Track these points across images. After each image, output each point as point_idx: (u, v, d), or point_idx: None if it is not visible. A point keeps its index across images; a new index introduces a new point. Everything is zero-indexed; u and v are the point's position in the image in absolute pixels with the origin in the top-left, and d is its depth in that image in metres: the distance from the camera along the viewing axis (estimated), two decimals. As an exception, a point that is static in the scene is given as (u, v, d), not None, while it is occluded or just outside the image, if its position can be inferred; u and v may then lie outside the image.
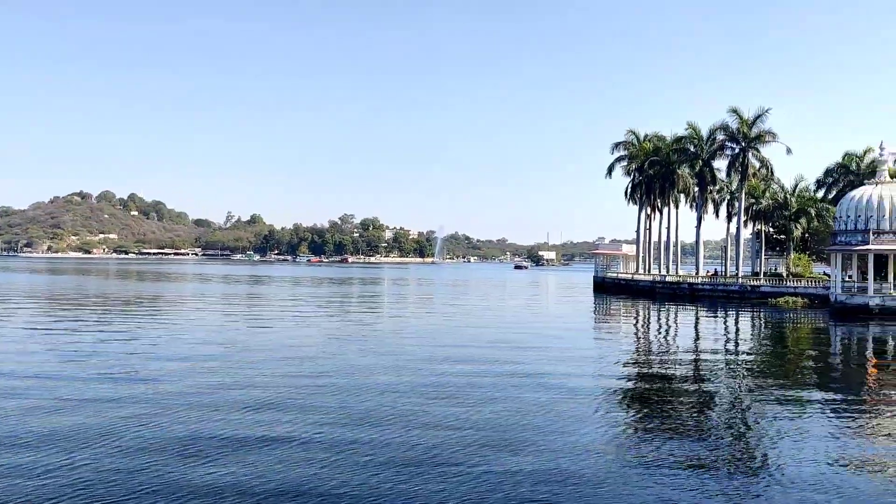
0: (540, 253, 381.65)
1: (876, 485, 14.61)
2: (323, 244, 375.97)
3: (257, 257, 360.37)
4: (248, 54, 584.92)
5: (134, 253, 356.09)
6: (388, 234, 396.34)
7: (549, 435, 17.68)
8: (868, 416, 21.27)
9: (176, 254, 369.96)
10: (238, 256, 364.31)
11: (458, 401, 21.46)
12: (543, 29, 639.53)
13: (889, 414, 21.52)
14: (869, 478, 15.09)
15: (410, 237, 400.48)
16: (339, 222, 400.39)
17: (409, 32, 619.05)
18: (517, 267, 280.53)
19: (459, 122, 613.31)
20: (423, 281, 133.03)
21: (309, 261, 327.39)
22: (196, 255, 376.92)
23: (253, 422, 18.51)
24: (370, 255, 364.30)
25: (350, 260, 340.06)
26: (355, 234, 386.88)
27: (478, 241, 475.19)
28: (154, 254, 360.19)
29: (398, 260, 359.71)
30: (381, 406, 20.62)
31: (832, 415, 21.03)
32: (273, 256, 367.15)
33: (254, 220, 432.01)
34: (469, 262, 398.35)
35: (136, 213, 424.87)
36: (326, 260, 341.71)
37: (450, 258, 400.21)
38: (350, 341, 36.39)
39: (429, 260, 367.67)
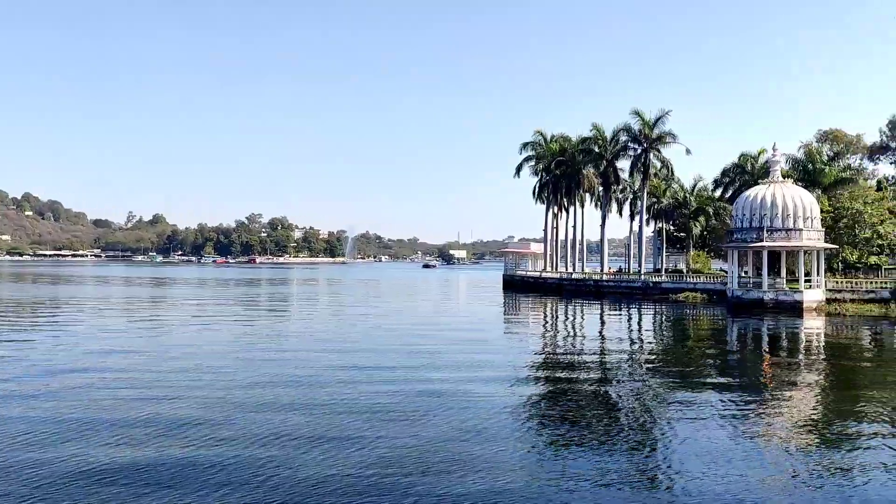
0: (451, 252, 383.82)
1: (772, 478, 15.11)
2: (229, 245, 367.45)
3: (160, 258, 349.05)
4: (143, 51, 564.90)
5: (29, 255, 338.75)
6: (298, 234, 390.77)
7: (458, 432, 17.60)
8: (762, 408, 22.06)
9: (74, 255, 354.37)
10: (140, 258, 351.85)
11: (373, 411, 21.13)
12: (453, 29, 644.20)
13: (782, 406, 22.42)
14: (765, 471, 15.59)
15: (320, 237, 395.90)
16: (246, 222, 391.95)
17: (314, 32, 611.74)
18: (426, 266, 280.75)
19: (370, 121, 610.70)
20: (334, 281, 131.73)
21: (215, 262, 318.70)
22: (96, 256, 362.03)
23: (148, 441, 17.69)
24: (279, 256, 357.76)
25: (258, 260, 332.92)
26: (263, 234, 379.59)
27: (389, 240, 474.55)
28: (50, 255, 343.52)
29: (308, 260, 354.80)
30: (287, 425, 20.07)
31: (729, 407, 21.70)
32: (177, 257, 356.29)
33: (156, 220, 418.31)
34: (380, 261, 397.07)
35: (30, 213, 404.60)
36: (233, 261, 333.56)
37: (361, 258, 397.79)
38: (253, 348, 35.52)
39: (339, 260, 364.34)
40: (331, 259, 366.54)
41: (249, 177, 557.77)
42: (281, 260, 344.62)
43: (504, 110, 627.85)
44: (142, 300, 70.95)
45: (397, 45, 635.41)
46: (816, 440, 18.04)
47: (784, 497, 13.68)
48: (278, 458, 15.41)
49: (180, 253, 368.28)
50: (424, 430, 17.96)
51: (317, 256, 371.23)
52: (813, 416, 21.03)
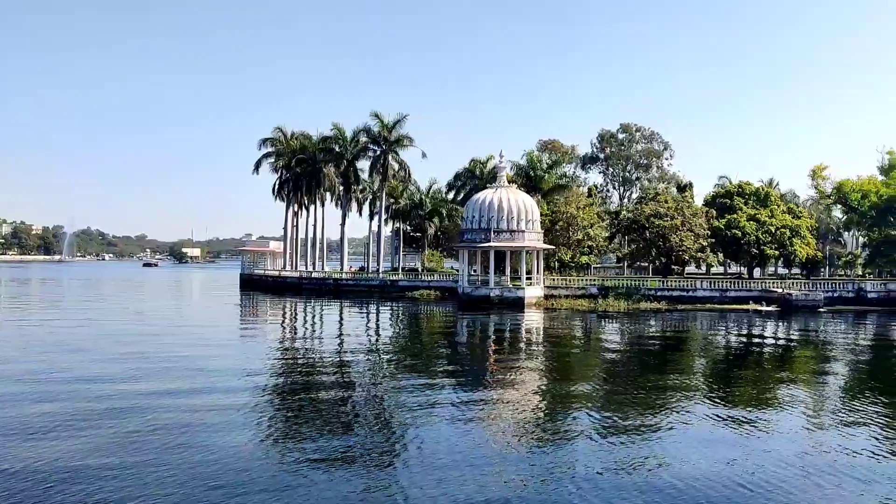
0: (184, 250, 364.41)
1: (505, 460, 16.11)
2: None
3: None
4: None
5: None
6: (6, 230, 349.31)
7: (192, 446, 16.77)
8: (487, 398, 23.49)
9: None
10: None
11: (95, 420, 19.40)
12: (195, 20, 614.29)
13: (506, 394, 24.06)
14: (497, 454, 16.59)
15: (34, 232, 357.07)
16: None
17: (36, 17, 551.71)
18: (147, 265, 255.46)
19: (97, 110, 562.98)
20: (48, 280, 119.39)
21: None
22: None
23: None
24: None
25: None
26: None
27: (114, 237, 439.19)
28: None
29: (17, 258, 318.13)
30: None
31: (460, 399, 22.83)
32: None
33: None
34: (104, 259, 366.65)
35: None
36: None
37: (81, 256, 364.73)
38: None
39: (56, 258, 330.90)
40: (46, 257, 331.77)
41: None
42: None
43: (243, 105, 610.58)
44: None
45: (126, 28, 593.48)
46: (536, 424, 19.58)
47: (503, 488, 14.61)
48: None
49: None
50: (148, 455, 16.87)
51: (29, 254, 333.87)
52: (531, 401, 22.77)
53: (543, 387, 25.76)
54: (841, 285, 70.67)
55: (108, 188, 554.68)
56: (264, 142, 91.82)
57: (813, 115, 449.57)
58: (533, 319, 52.18)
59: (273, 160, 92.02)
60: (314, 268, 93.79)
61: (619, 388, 25.02)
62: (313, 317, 55.10)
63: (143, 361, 28.75)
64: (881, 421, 20.34)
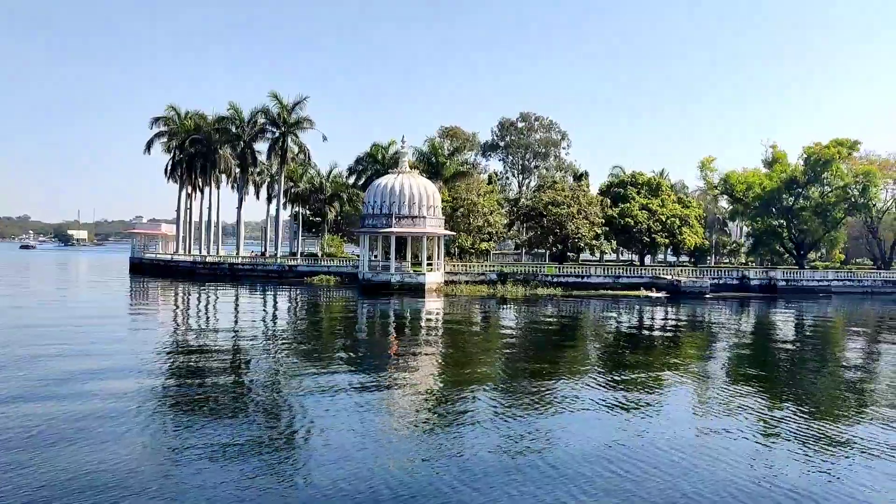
0: (70, 232, 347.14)
1: (402, 443, 16.01)
2: None
3: None
4: None
5: None
6: None
7: (84, 440, 15.92)
8: (390, 382, 23.34)
9: None
10: None
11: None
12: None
13: (406, 376, 23.98)
14: (395, 437, 16.47)
15: None
16: None
17: None
18: (24, 247, 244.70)
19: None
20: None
21: None
22: None
23: None
24: None
25: None
26: None
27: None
28: None
29: None
30: None
31: (358, 384, 22.58)
32: None
33: None
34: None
35: None
36: None
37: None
38: None
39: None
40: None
41: None
42: None
43: (136, 82, 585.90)
44: None
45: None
46: (434, 407, 19.60)
47: (400, 470, 14.53)
48: None
49: None
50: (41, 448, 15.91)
51: None
52: (429, 385, 22.77)
53: (441, 371, 25.85)
54: (726, 273, 74.17)
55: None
56: (156, 121, 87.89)
57: (703, 108, 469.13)
58: (433, 305, 52.32)
59: (166, 140, 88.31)
60: (209, 252, 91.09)
61: (515, 373, 25.36)
62: (207, 303, 53.42)
63: (17, 356, 27.15)
64: (758, 402, 21.37)
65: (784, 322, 47.72)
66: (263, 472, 13.93)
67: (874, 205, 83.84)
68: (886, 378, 26.38)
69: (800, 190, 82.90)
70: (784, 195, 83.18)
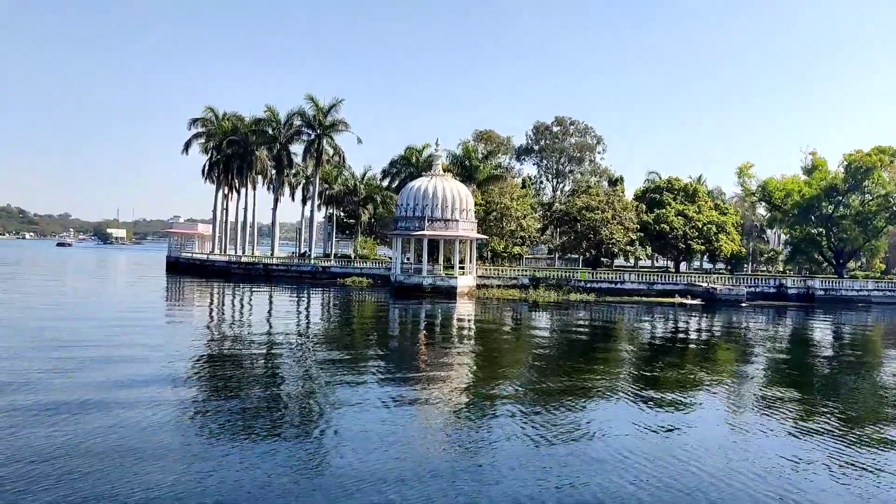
0: (109, 230, 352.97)
1: (431, 445, 15.98)
2: None
3: None
4: None
5: None
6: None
7: (120, 427, 16.15)
8: (420, 384, 23.35)
9: None
10: None
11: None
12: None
13: (435, 378, 23.97)
14: (423, 438, 16.46)
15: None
16: None
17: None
18: (60, 244, 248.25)
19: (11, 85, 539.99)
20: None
21: None
22: None
23: None
24: None
25: None
26: None
27: (35, 215, 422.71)
28: None
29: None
30: None
31: (390, 385, 22.63)
32: None
33: None
34: (24, 238, 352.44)
35: None
36: None
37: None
38: None
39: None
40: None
41: None
42: None
43: (174, 82, 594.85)
44: None
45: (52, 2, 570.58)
46: (466, 412, 19.52)
47: (427, 471, 14.49)
48: None
49: None
50: (71, 439, 16.16)
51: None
52: (460, 388, 22.71)
53: (472, 374, 25.77)
54: (763, 281, 72.99)
55: (30, 164, 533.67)
56: (194, 122, 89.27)
57: (742, 114, 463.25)
58: (464, 309, 52.24)
59: (203, 141, 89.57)
60: (244, 252, 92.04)
61: (546, 378, 25.18)
62: (242, 303, 54.00)
63: (62, 350, 27.65)
64: (792, 410, 20.95)
65: (821, 332, 46.81)
66: (292, 461, 14.04)
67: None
68: (928, 391, 25.74)
69: (840, 198, 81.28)
70: (823, 203, 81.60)
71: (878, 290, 71.32)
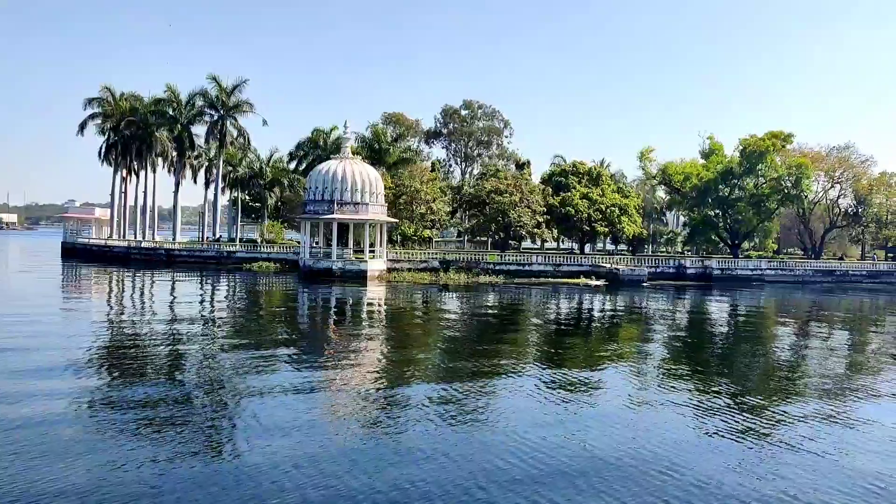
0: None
1: (335, 430, 15.80)
2: None
3: None
4: None
5: None
6: None
7: (12, 422, 15.30)
8: (329, 369, 23.11)
9: None
10: None
11: None
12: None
13: (346, 364, 23.79)
14: (332, 423, 16.26)
15: None
16: None
17: None
18: None
19: None
20: None
21: None
22: None
23: None
24: None
25: None
26: None
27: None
28: None
29: None
30: None
31: (298, 371, 22.30)
32: None
33: None
34: None
35: None
36: None
37: None
38: None
39: None
40: None
41: None
42: None
43: (67, 60, 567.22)
44: None
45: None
46: (373, 397, 19.42)
47: (343, 460, 14.35)
48: None
49: None
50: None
51: None
52: (370, 372, 22.62)
53: (382, 359, 25.70)
54: (663, 261, 75.67)
55: None
56: (90, 101, 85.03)
57: (642, 99, 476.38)
58: (375, 293, 52.01)
59: (100, 122, 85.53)
60: (144, 237, 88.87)
61: (455, 360, 25.35)
62: (143, 289, 52.12)
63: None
64: (691, 385, 21.77)
65: (718, 310, 48.86)
66: (197, 451, 13.62)
67: (806, 196, 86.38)
68: (813, 360, 27.22)
69: (735, 181, 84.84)
70: (720, 186, 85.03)
71: (770, 268, 74.93)
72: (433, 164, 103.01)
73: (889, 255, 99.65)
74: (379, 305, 44.96)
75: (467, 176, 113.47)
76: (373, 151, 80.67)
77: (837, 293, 63.65)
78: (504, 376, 22.22)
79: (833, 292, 64.30)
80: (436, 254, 71.27)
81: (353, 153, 69.50)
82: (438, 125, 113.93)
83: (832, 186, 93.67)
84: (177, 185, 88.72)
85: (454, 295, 51.77)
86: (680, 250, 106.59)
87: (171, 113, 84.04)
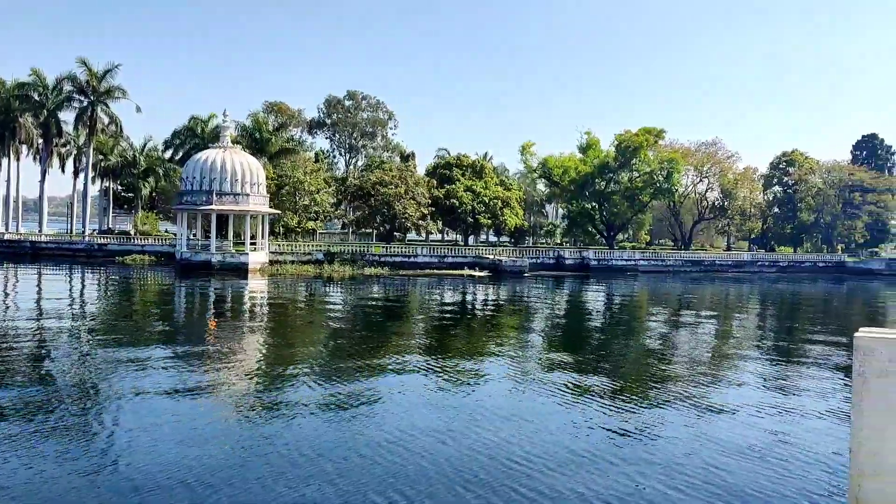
0: None
1: (220, 429, 15.42)
2: None
3: None
4: None
5: None
6: None
7: None
8: (207, 368, 22.47)
9: None
10: None
11: None
12: None
13: (226, 361, 23.20)
14: (211, 423, 15.85)
15: None
16: None
17: None
18: None
19: None
20: None
21: None
22: None
23: None
24: None
25: None
26: None
27: None
28: None
29: None
30: None
31: (174, 370, 21.56)
32: None
33: None
34: None
35: None
36: None
37: None
38: None
39: None
40: None
41: None
42: None
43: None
44: None
45: None
46: (254, 392, 19.07)
47: (216, 456, 14.04)
48: None
49: None
50: None
51: None
52: (251, 370, 22.17)
53: (263, 355, 25.23)
54: (543, 253, 77.77)
55: None
56: (-55, 83, 79.05)
57: (525, 93, 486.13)
58: (256, 286, 50.96)
59: (-43, 106, 79.63)
60: (7, 229, 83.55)
61: (340, 355, 25.18)
62: (5, 284, 48.97)
63: None
64: (569, 373, 22.55)
65: (595, 299, 50.75)
66: (70, 453, 12.95)
67: (676, 190, 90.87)
68: (681, 344, 28.74)
69: (611, 175, 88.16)
70: (597, 179, 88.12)
71: (644, 259, 78.39)
72: (317, 154, 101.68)
73: (752, 245, 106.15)
74: (260, 299, 44.10)
75: (352, 167, 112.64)
76: (253, 141, 78.75)
77: (705, 282, 67.32)
78: (388, 370, 22.22)
79: (701, 281, 67.96)
80: (320, 246, 70.48)
81: (233, 142, 67.73)
82: (322, 115, 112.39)
83: (700, 180, 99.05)
84: (43, 173, 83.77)
85: (339, 287, 51.42)
86: (559, 242, 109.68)
87: (36, 98, 79.18)
